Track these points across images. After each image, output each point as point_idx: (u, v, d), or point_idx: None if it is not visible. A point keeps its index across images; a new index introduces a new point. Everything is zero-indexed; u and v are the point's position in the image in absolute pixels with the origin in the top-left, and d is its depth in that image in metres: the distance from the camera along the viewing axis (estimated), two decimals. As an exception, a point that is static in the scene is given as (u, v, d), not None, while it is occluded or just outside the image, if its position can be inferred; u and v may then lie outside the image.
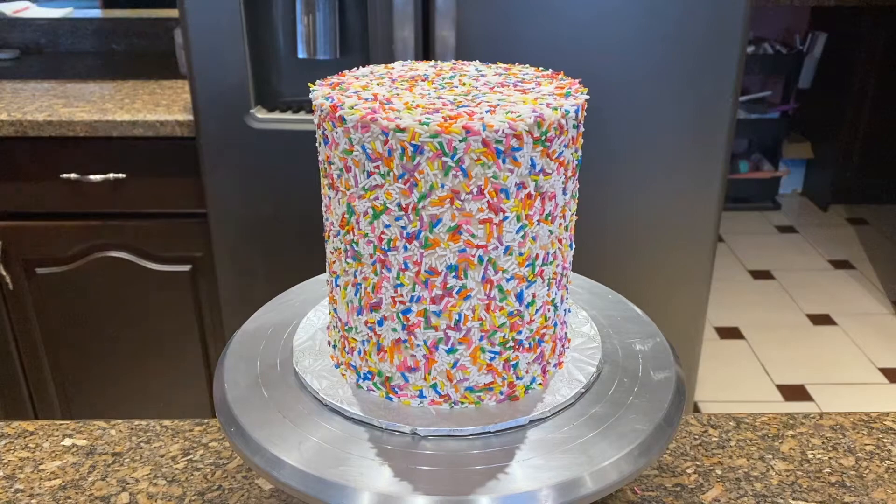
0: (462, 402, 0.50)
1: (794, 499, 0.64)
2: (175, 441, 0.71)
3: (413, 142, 0.44)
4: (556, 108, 0.46)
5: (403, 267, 0.47)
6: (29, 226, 1.61)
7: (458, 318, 0.48)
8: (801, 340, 2.52)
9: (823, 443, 0.70)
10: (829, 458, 0.68)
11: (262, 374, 0.54)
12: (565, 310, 0.55)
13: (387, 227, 0.47)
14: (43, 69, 1.92)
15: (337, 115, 0.46)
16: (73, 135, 1.51)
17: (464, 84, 0.52)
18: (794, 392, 2.27)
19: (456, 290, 0.48)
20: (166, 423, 0.73)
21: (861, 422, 0.73)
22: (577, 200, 0.53)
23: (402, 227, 0.46)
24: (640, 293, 1.38)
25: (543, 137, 0.46)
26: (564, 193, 0.50)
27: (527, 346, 0.51)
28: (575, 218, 0.53)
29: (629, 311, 0.62)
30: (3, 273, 1.62)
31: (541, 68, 0.57)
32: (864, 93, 3.23)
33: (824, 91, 3.36)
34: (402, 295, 0.48)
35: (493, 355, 0.50)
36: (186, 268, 1.64)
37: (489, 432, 0.48)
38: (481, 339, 0.49)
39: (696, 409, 2.14)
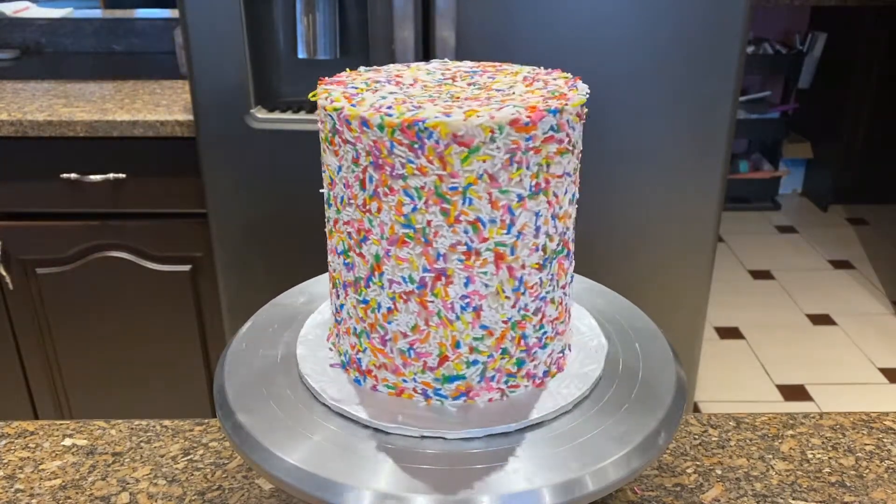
0: (457, 398, 0.50)
1: (794, 499, 0.64)
2: (175, 441, 0.71)
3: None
4: None
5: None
6: (29, 226, 1.61)
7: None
8: (801, 340, 2.52)
9: (823, 443, 0.70)
10: (829, 457, 0.68)
11: (263, 374, 0.54)
12: (565, 312, 0.55)
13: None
14: (43, 69, 1.92)
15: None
16: (73, 135, 1.51)
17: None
18: (794, 392, 2.27)
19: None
20: (166, 423, 0.73)
21: (861, 422, 0.73)
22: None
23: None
24: (641, 293, 1.39)
25: None
26: None
27: (531, 342, 0.51)
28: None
29: (629, 310, 0.62)
30: (3, 273, 1.62)
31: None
32: (864, 93, 3.23)
33: (824, 91, 3.36)
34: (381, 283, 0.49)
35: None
36: (186, 268, 1.64)
37: (491, 433, 0.48)
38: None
39: (696, 409, 2.14)
